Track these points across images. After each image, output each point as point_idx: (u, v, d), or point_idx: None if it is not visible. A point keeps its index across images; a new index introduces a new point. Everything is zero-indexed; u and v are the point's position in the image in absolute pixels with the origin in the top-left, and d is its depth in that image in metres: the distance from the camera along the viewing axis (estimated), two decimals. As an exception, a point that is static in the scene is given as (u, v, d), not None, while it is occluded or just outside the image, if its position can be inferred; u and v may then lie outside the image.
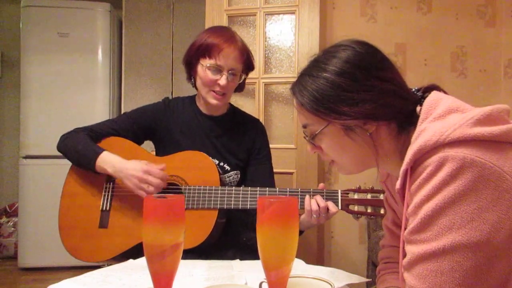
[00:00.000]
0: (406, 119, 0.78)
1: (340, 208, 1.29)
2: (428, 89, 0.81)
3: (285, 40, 2.40)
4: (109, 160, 1.36)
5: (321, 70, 0.80)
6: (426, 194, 0.65)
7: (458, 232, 0.62)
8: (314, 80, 0.80)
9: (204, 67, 1.43)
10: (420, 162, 0.68)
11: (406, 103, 0.78)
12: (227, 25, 2.36)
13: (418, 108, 0.78)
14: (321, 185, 1.33)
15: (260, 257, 0.73)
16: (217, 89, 1.43)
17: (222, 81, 1.41)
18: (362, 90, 0.76)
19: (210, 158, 1.41)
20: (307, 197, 1.28)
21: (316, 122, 0.82)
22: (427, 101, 0.75)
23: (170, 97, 1.60)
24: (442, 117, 0.71)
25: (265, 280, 0.75)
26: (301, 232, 1.37)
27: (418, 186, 0.67)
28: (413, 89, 0.83)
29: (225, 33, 1.45)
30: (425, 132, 0.69)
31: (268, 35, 2.41)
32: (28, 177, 3.30)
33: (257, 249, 0.73)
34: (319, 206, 1.25)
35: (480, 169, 0.62)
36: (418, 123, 0.73)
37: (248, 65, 1.51)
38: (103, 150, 1.38)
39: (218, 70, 1.42)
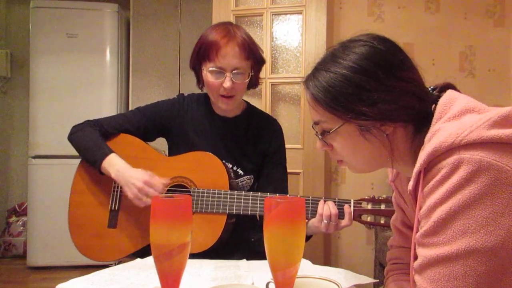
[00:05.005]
0: (423, 120, 0.75)
1: (352, 218, 1.25)
2: (444, 88, 0.79)
3: (292, 40, 2.39)
4: (114, 164, 1.32)
5: (339, 66, 0.76)
6: (440, 197, 0.63)
7: (472, 237, 0.60)
8: (331, 76, 0.76)
9: (206, 72, 1.35)
10: (434, 163, 0.66)
11: (425, 104, 0.76)
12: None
13: (432, 107, 0.76)
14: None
15: (267, 257, 0.72)
16: (223, 92, 1.35)
17: (226, 83, 1.32)
18: (383, 90, 0.73)
19: (220, 160, 1.37)
20: (321, 201, 1.25)
21: (330, 120, 0.79)
22: (442, 100, 0.73)
23: (185, 94, 1.54)
24: (457, 117, 0.69)
25: (272, 280, 0.75)
26: (308, 238, 1.35)
27: (432, 188, 0.65)
28: (429, 88, 0.81)
29: (222, 30, 1.34)
30: (440, 132, 0.67)
31: (275, 35, 2.41)
32: (37, 176, 3.33)
33: (264, 249, 0.73)
34: (331, 212, 1.22)
35: (496, 173, 0.60)
36: (432, 123, 0.72)
37: (255, 59, 1.39)
38: (111, 151, 1.35)
39: (220, 72, 1.33)
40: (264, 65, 2.35)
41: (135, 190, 1.27)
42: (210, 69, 1.34)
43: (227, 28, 1.35)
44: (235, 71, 1.33)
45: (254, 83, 1.46)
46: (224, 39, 1.32)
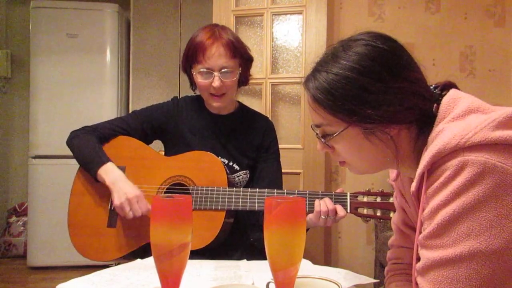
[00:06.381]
0: (426, 120, 0.74)
1: (349, 211, 1.27)
2: (445, 87, 0.78)
3: (292, 40, 2.39)
4: (110, 173, 1.35)
5: (341, 67, 0.74)
6: (444, 199, 0.63)
7: (476, 239, 0.60)
8: (333, 78, 0.73)
9: (196, 73, 1.41)
10: (438, 165, 0.65)
11: (429, 104, 0.74)
12: (234, 25, 2.36)
13: (434, 106, 0.75)
14: (340, 189, 1.32)
15: (267, 257, 0.72)
16: (213, 91, 1.40)
17: (215, 83, 1.37)
18: (388, 92, 0.71)
19: (218, 158, 1.40)
20: (317, 199, 1.27)
21: (333, 123, 0.76)
22: (445, 100, 0.72)
23: (179, 97, 1.59)
24: (461, 117, 0.68)
25: (272, 281, 0.75)
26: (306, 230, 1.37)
27: (436, 190, 0.65)
28: (431, 86, 0.79)
29: (207, 32, 1.40)
30: (444, 133, 0.67)
31: (275, 35, 2.41)
32: (37, 176, 3.33)
33: (264, 249, 0.73)
34: (328, 208, 1.24)
35: (501, 175, 0.60)
36: (436, 123, 0.71)
37: (242, 58, 1.43)
38: (108, 160, 1.37)
39: (208, 72, 1.38)
40: (265, 65, 2.36)
41: (123, 199, 1.30)
42: (199, 70, 1.39)
43: (212, 30, 1.40)
44: (223, 70, 1.38)
45: (244, 80, 1.51)
46: (209, 40, 1.37)
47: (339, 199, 1.28)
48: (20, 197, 3.85)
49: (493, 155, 0.61)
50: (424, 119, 0.74)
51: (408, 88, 0.73)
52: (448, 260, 0.62)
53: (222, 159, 1.45)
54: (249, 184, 1.54)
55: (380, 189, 1.28)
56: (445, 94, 0.75)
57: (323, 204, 1.25)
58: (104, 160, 1.37)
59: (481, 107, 0.69)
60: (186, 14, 3.49)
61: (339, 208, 1.25)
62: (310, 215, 1.28)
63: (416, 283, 0.68)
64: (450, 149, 0.64)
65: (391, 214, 1.24)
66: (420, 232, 0.69)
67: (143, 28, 3.48)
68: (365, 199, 1.27)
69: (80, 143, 1.43)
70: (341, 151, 0.80)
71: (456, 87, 0.78)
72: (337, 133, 0.77)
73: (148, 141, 1.52)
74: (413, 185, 0.71)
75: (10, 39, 3.96)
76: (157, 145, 1.57)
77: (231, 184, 1.39)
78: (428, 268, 0.65)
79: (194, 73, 1.42)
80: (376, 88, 0.72)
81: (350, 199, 1.27)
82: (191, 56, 1.40)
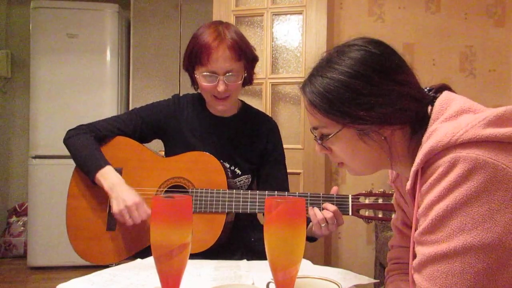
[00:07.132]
0: (420, 121, 0.76)
1: (350, 213, 1.25)
2: (440, 89, 0.80)
3: (292, 40, 2.40)
4: (109, 177, 1.32)
5: (335, 72, 0.77)
6: (437, 195, 0.64)
7: (469, 234, 0.61)
8: (328, 82, 0.77)
9: (199, 75, 1.36)
10: (431, 162, 0.67)
11: (421, 105, 0.77)
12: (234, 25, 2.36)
13: (429, 108, 0.77)
14: (335, 188, 1.30)
15: (268, 257, 0.73)
16: (217, 95, 1.36)
17: (220, 87, 1.32)
18: (379, 94, 0.74)
19: (217, 159, 1.36)
20: (309, 208, 1.24)
21: (329, 125, 0.80)
22: (439, 101, 0.74)
23: (180, 95, 1.54)
24: (453, 118, 0.70)
25: (272, 281, 0.75)
26: (315, 239, 1.34)
27: (429, 186, 0.66)
28: (425, 89, 0.82)
29: (212, 32, 1.33)
30: (436, 132, 0.68)
31: (275, 36, 2.41)
32: (38, 177, 3.33)
33: (264, 249, 0.73)
34: (325, 216, 1.21)
35: (492, 171, 0.61)
36: (429, 124, 0.73)
37: (247, 59, 1.38)
38: (106, 163, 1.34)
39: (213, 76, 1.33)
40: (265, 65, 2.35)
41: (122, 206, 1.27)
42: (203, 73, 1.34)
43: (217, 30, 1.34)
44: (228, 73, 1.33)
45: (248, 80, 1.45)
46: (215, 42, 1.31)
47: (340, 201, 1.26)
48: (20, 197, 3.85)
49: (484, 152, 0.63)
50: (418, 120, 0.77)
51: (399, 90, 0.75)
52: (442, 255, 0.63)
53: (224, 163, 1.42)
54: (251, 188, 1.51)
55: (382, 190, 1.27)
56: (439, 96, 0.77)
57: (318, 212, 1.22)
58: (102, 163, 1.33)
59: (473, 107, 0.71)
60: (186, 14, 3.50)
61: (328, 206, 1.23)
62: (311, 225, 1.25)
63: (413, 281, 0.68)
64: (442, 146, 0.66)
65: (393, 215, 1.23)
66: (416, 229, 0.69)
67: (143, 28, 3.48)
68: (366, 201, 1.25)
69: (78, 144, 1.39)
70: (338, 152, 0.83)
71: (450, 89, 0.81)
72: (332, 135, 0.80)
73: (146, 141, 1.50)
74: (408, 183, 0.73)
75: (10, 39, 3.96)
76: (157, 145, 1.57)
77: (230, 187, 1.37)
78: (423, 264, 0.66)
79: (197, 75, 1.37)
80: (368, 91, 0.75)
81: (351, 201, 1.25)
82: (195, 57, 1.34)
